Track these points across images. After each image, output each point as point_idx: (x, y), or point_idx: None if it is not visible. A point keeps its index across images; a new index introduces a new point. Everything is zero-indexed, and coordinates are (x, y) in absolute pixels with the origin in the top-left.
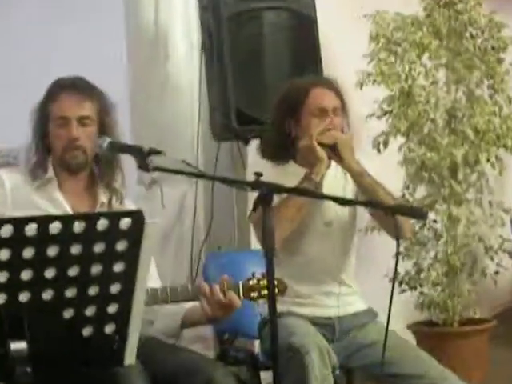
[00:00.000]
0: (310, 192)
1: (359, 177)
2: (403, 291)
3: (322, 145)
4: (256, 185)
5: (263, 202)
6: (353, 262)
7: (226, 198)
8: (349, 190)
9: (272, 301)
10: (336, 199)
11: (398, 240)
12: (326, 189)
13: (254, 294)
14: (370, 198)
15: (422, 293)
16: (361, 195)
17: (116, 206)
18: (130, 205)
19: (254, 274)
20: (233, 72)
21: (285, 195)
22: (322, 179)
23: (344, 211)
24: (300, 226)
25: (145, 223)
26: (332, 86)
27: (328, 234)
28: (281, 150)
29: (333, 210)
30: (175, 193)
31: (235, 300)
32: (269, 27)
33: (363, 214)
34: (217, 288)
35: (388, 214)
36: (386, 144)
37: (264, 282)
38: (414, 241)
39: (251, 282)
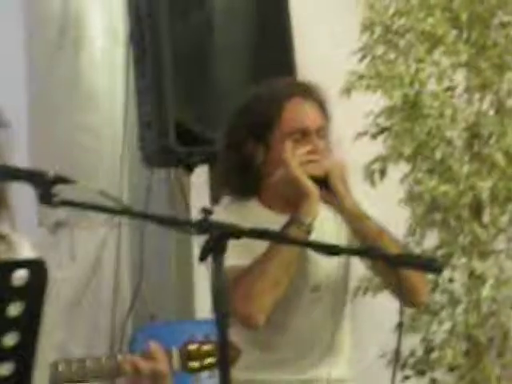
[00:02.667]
0: (292, 238)
1: (357, 221)
2: (406, 378)
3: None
4: (204, 226)
5: (214, 249)
6: (347, 337)
7: (160, 246)
8: (342, 238)
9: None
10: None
11: (401, 306)
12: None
13: (193, 364)
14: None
15: (433, 380)
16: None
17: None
18: (27, 254)
19: (193, 338)
20: (173, 74)
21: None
22: (313, 222)
23: (335, 270)
24: None
25: (47, 277)
26: (315, 96)
27: (315, 301)
28: (241, 181)
29: (322, 269)
30: (91, 238)
31: (161, 366)
32: (221, 14)
33: (357, 272)
34: (141, 362)
35: (388, 266)
36: (383, 173)
37: (208, 348)
38: (422, 308)
39: (190, 348)
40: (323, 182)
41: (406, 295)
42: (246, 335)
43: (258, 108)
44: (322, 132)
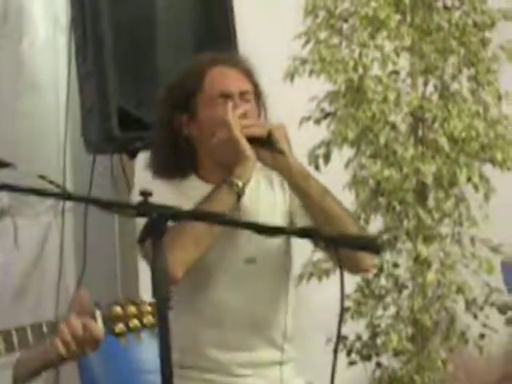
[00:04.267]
0: (221, 218)
1: (303, 179)
2: (352, 363)
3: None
4: (143, 208)
5: (153, 231)
6: (289, 314)
7: (104, 232)
8: (278, 211)
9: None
10: (263, 228)
11: (342, 281)
12: (250, 209)
13: (119, 327)
14: (312, 213)
15: (378, 364)
16: (298, 217)
17: None
18: None
19: (117, 300)
20: (114, 57)
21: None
22: (245, 186)
23: (273, 243)
24: (208, 262)
25: None
26: (238, 64)
27: (250, 274)
28: (174, 160)
29: (257, 240)
30: (34, 226)
31: (95, 330)
32: None
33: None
34: (74, 319)
35: (329, 246)
36: (327, 158)
37: (132, 309)
38: (367, 293)
39: (114, 311)
40: (263, 143)
41: (350, 265)
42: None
43: (180, 80)
44: (247, 96)
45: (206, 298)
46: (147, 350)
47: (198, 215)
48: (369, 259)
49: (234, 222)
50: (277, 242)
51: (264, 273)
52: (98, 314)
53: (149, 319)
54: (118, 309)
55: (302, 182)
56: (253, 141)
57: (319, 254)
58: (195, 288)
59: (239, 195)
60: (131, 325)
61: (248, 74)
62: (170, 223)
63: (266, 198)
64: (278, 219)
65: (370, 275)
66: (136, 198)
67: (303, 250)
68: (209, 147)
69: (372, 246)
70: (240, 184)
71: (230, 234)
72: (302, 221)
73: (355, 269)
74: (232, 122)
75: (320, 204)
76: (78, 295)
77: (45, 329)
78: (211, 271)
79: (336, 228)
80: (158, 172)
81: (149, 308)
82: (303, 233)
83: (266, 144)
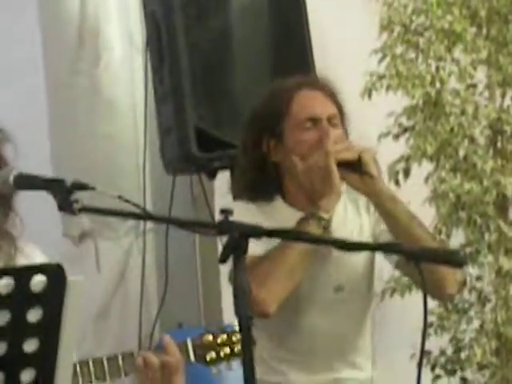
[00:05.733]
0: (304, 235)
1: (390, 202)
2: (437, 377)
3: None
4: (224, 227)
5: (234, 249)
6: (369, 338)
7: (185, 253)
8: (364, 235)
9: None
10: (346, 245)
11: (425, 300)
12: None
13: (210, 355)
14: (399, 237)
15: (463, 379)
16: (382, 240)
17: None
18: (36, 255)
19: (208, 329)
20: (191, 79)
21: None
22: (331, 219)
23: (359, 269)
24: (298, 291)
25: (67, 281)
26: (324, 87)
27: (338, 302)
28: (260, 183)
29: (345, 268)
30: (115, 248)
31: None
32: (238, 17)
33: (382, 271)
34: (153, 358)
35: (410, 261)
36: (407, 173)
37: (223, 338)
38: (450, 307)
39: (205, 339)
40: (352, 166)
41: (432, 289)
42: (263, 330)
43: (267, 103)
44: (335, 120)
45: (293, 327)
46: (238, 379)
47: (279, 233)
48: (452, 282)
49: (317, 240)
50: (362, 267)
51: (352, 300)
52: (189, 342)
53: (239, 348)
54: (210, 337)
55: (390, 206)
56: (341, 164)
57: None
58: (283, 317)
59: (326, 227)
60: (222, 353)
61: (333, 96)
62: (252, 247)
63: (352, 221)
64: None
65: None
66: (217, 217)
67: (386, 266)
68: (295, 172)
69: (455, 259)
70: (326, 217)
71: (319, 264)
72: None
73: (438, 293)
74: (331, 151)
75: (407, 229)
76: (163, 341)
77: (120, 361)
78: (301, 300)
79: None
80: (242, 195)
81: (225, 337)
82: (385, 248)
83: (355, 167)
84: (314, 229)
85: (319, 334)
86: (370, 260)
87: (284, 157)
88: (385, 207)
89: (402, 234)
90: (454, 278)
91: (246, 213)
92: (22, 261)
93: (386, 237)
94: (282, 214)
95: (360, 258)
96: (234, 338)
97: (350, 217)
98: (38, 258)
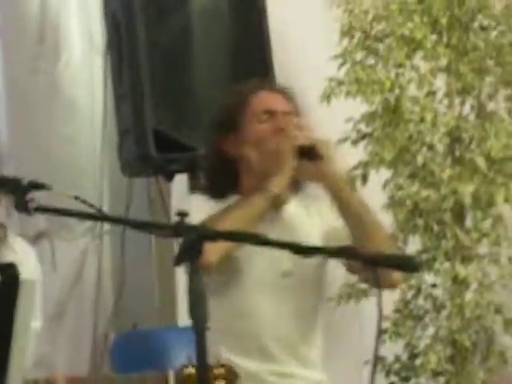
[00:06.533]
0: (260, 238)
1: (346, 189)
2: None
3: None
4: (180, 229)
5: (190, 252)
6: (319, 335)
7: (142, 255)
8: (315, 237)
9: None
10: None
11: (380, 306)
12: (289, 227)
13: None
14: (349, 223)
15: None
16: (333, 238)
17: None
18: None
19: (190, 359)
20: (151, 80)
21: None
22: (279, 196)
23: (311, 259)
24: (243, 274)
25: (20, 281)
26: (282, 91)
27: (285, 289)
28: (218, 183)
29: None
30: (71, 249)
31: None
32: (199, 18)
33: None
34: None
35: (366, 265)
36: (364, 179)
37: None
38: (405, 313)
39: (187, 371)
40: (309, 156)
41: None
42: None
43: (227, 104)
44: (290, 117)
45: (240, 310)
46: None
47: (236, 235)
48: (398, 274)
49: (272, 243)
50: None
51: (300, 288)
52: (170, 373)
53: (221, 382)
54: (191, 369)
55: (344, 190)
56: (298, 153)
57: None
58: (230, 299)
59: (273, 202)
60: None
61: (290, 99)
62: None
63: (303, 224)
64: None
65: (409, 296)
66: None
67: (342, 272)
68: (251, 163)
69: (411, 264)
70: (275, 191)
71: (268, 249)
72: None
73: (384, 284)
74: (289, 134)
75: (359, 215)
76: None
77: None
78: (247, 282)
79: (372, 241)
80: (210, 193)
81: (222, 370)
82: (341, 252)
83: (312, 155)
84: (261, 200)
85: (267, 321)
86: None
87: (241, 150)
88: (339, 191)
89: (353, 221)
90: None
91: (204, 206)
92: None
93: (336, 237)
94: None
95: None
96: (216, 372)
97: (302, 219)
98: (27, 255)
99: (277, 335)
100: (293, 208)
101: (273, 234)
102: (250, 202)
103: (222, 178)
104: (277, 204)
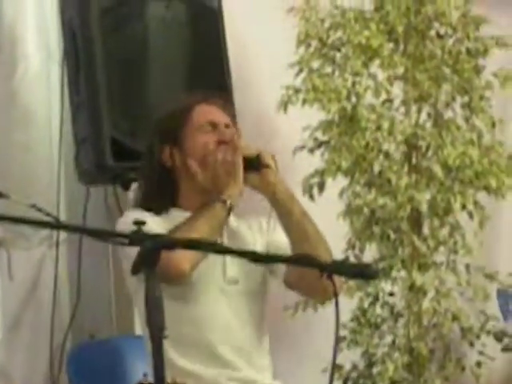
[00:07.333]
0: (216, 246)
1: (287, 198)
2: None
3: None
4: (137, 237)
5: (147, 261)
6: (266, 340)
7: (98, 264)
8: (258, 245)
9: None
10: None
11: (337, 314)
12: (236, 236)
13: None
14: (291, 232)
15: None
16: (274, 250)
17: None
18: None
19: (146, 375)
20: (107, 88)
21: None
22: (233, 207)
23: (256, 267)
24: (189, 282)
25: None
26: (221, 104)
27: (230, 295)
28: (155, 195)
29: (240, 262)
30: (28, 258)
31: None
32: (156, 26)
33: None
34: None
35: (321, 273)
36: (321, 188)
37: None
38: (363, 321)
39: None
40: (251, 166)
41: (323, 291)
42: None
43: (168, 114)
44: (231, 129)
45: (189, 316)
46: None
47: (192, 244)
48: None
49: (230, 251)
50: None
51: (244, 297)
52: None
53: None
54: None
55: (285, 199)
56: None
57: None
58: (179, 306)
59: (229, 211)
60: None
61: (229, 112)
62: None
63: (247, 235)
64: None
65: (366, 303)
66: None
67: None
68: (193, 174)
69: (368, 272)
70: (232, 201)
71: (214, 257)
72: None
73: (327, 295)
74: (240, 145)
75: (300, 224)
76: None
77: None
78: (194, 288)
79: (310, 250)
80: (142, 206)
81: None
82: (298, 260)
83: (254, 165)
84: (220, 211)
85: (218, 327)
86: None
87: (183, 161)
88: (280, 200)
89: (294, 229)
90: (338, 280)
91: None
92: None
93: (280, 271)
94: (179, 218)
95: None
96: None
97: (244, 234)
98: None
99: (230, 341)
100: (235, 225)
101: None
102: (213, 214)
103: (160, 190)
104: (231, 211)
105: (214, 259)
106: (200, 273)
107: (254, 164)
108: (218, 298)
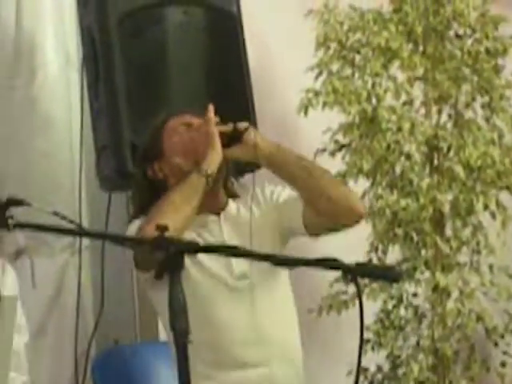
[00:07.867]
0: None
1: (276, 151)
2: None
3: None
4: (160, 243)
5: (170, 265)
6: (296, 329)
7: (122, 270)
8: (264, 226)
9: None
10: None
11: (361, 316)
12: (234, 231)
13: None
14: (296, 181)
15: None
16: (286, 212)
17: None
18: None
19: None
20: (127, 95)
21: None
22: (212, 174)
23: None
24: (203, 282)
25: (0, 298)
26: (199, 114)
27: (242, 292)
28: (150, 197)
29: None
30: (51, 265)
31: None
32: (174, 30)
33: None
34: None
35: (347, 277)
36: None
37: None
38: (387, 323)
39: None
40: (233, 141)
41: (345, 214)
42: None
43: (148, 136)
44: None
45: (205, 321)
46: None
47: (214, 248)
48: (358, 203)
49: (251, 254)
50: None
51: (258, 291)
52: None
53: None
54: None
55: (274, 152)
56: (222, 144)
57: (337, 287)
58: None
59: (207, 179)
60: None
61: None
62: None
63: (247, 220)
64: (266, 234)
65: (390, 305)
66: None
67: (322, 284)
68: (179, 169)
69: (391, 274)
70: (209, 170)
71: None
72: (292, 216)
73: (351, 216)
74: (212, 117)
75: (298, 166)
76: None
77: None
78: (206, 292)
79: (316, 184)
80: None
81: None
82: (321, 263)
83: (235, 138)
84: (194, 179)
85: (227, 328)
86: (272, 247)
87: (170, 167)
88: (269, 155)
89: (297, 175)
90: (356, 198)
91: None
92: None
93: (297, 221)
94: None
95: (264, 246)
96: None
97: (244, 215)
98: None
99: (246, 339)
100: (234, 209)
101: (225, 232)
102: (187, 182)
103: (156, 199)
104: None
105: (217, 260)
106: (207, 276)
107: (234, 137)
108: (229, 296)
